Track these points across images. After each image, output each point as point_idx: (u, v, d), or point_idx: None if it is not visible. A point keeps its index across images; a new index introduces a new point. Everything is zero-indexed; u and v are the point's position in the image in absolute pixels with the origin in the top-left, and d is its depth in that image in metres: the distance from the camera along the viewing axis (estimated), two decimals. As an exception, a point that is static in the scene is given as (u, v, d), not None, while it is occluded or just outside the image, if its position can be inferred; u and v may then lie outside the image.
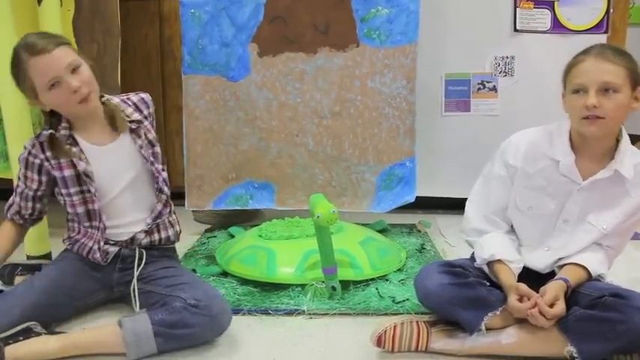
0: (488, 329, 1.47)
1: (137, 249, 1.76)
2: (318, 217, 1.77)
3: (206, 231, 2.72)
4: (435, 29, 2.66)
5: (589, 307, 1.40)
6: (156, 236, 1.81)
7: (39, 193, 1.75)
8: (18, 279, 1.88)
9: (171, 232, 1.85)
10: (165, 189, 1.80)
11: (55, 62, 1.57)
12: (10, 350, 1.43)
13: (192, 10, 2.47)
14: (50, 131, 1.68)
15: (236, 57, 2.50)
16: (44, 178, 1.72)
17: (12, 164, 2.12)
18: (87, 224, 1.75)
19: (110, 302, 1.82)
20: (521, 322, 1.47)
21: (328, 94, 2.52)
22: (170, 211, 1.85)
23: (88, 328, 1.60)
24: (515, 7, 2.65)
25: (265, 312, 1.79)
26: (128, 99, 1.79)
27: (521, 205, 1.59)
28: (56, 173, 1.69)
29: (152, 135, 1.80)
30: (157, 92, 3.05)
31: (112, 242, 1.75)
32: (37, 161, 1.70)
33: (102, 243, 1.73)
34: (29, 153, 1.70)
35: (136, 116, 1.76)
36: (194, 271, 2.13)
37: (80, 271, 1.73)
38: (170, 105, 3.08)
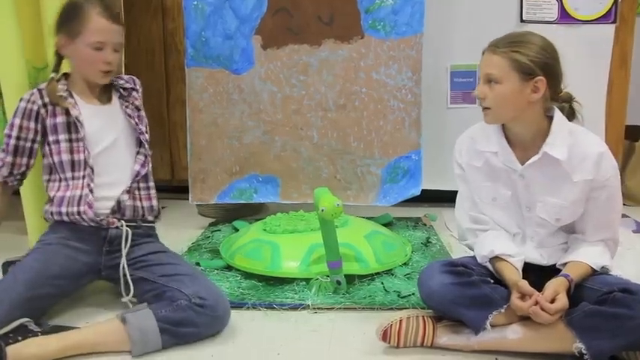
0: (493, 326, 1.46)
1: (124, 227, 1.75)
2: (322, 210, 1.75)
3: (210, 225, 2.72)
4: (441, 20, 2.63)
5: (598, 302, 1.39)
6: (139, 203, 1.82)
7: (35, 145, 1.77)
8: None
9: (154, 202, 1.87)
10: (146, 147, 1.84)
11: (113, 32, 1.72)
12: (10, 352, 1.40)
13: (195, 3, 2.46)
14: (52, 75, 1.78)
15: (239, 49, 2.49)
16: (39, 127, 1.75)
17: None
18: (69, 175, 1.75)
19: (97, 288, 1.82)
20: (527, 318, 1.45)
21: (333, 86, 2.50)
22: (148, 172, 1.85)
23: (88, 326, 1.57)
24: (522, -3, 2.63)
25: (270, 306, 1.78)
26: (121, 75, 1.92)
27: (485, 197, 1.61)
28: (49, 120, 1.74)
29: (139, 102, 1.89)
30: (160, 85, 3.05)
31: (99, 217, 1.73)
32: (35, 107, 1.74)
33: (92, 185, 1.73)
34: (28, 100, 1.75)
35: (128, 85, 1.88)
36: (197, 264, 2.12)
37: (67, 258, 1.70)
38: (173, 98, 3.07)
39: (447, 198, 2.85)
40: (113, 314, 1.58)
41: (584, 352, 1.36)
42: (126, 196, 1.78)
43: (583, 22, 2.62)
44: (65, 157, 1.74)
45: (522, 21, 2.63)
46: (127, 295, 1.67)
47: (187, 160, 2.62)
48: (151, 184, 1.86)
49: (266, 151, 2.57)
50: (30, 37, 2.22)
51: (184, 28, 2.50)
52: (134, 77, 1.93)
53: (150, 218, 1.86)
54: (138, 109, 1.87)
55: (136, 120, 1.84)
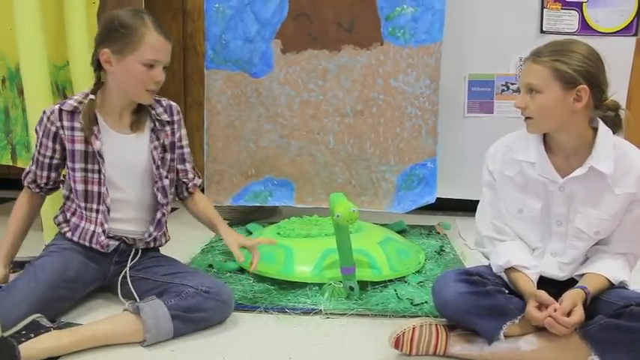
0: (507, 336, 1.45)
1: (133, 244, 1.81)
2: (338, 216, 1.75)
3: (224, 227, 2.71)
4: (460, 29, 2.63)
5: (614, 316, 1.38)
6: (151, 244, 1.84)
7: (54, 161, 1.73)
8: (11, 276, 1.83)
9: (167, 235, 1.90)
10: (160, 196, 1.78)
11: (167, 51, 1.66)
12: (23, 349, 1.40)
13: (217, 5, 2.47)
14: (92, 96, 1.68)
15: (259, 53, 2.50)
16: (58, 147, 1.70)
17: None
18: (83, 204, 1.73)
19: (96, 291, 1.83)
20: (541, 329, 1.44)
21: (351, 92, 2.50)
22: (166, 220, 1.86)
23: (101, 320, 1.58)
24: (543, 7, 2.62)
25: (282, 310, 1.78)
26: (161, 100, 1.80)
27: (511, 209, 1.58)
28: (68, 145, 1.69)
29: (170, 140, 1.80)
30: (178, 87, 3.07)
31: (110, 235, 1.75)
32: (53, 128, 1.68)
33: (106, 226, 1.72)
34: (47, 119, 1.68)
35: (165, 117, 1.79)
36: (210, 266, 2.13)
37: (81, 264, 1.71)
38: (191, 100, 3.09)
39: (461, 207, 2.86)
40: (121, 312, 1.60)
41: (600, 365, 1.36)
42: (142, 244, 1.81)
43: (603, 34, 2.61)
44: (80, 186, 1.70)
45: (542, 32, 2.63)
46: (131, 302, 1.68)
47: (203, 161, 2.63)
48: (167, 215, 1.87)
49: (282, 154, 2.58)
50: (51, 35, 2.25)
51: (205, 30, 2.52)
52: (173, 104, 1.83)
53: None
54: (165, 149, 1.79)
55: (159, 163, 1.76)
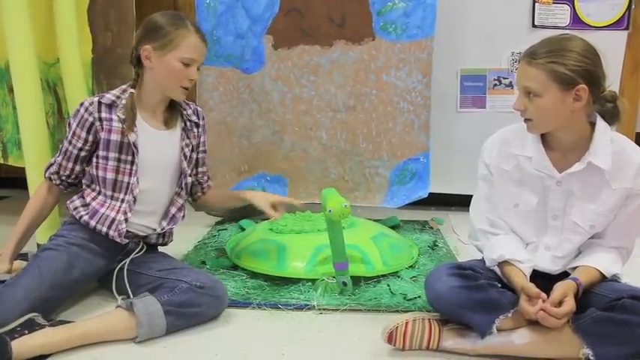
0: (500, 330, 1.45)
1: (141, 243, 1.82)
2: (330, 211, 1.75)
3: (217, 223, 2.72)
4: (452, 24, 2.63)
5: (606, 309, 1.38)
6: (161, 240, 1.89)
7: (82, 153, 1.75)
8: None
9: (171, 236, 1.95)
10: (183, 192, 1.86)
11: (203, 53, 1.76)
12: (16, 345, 1.40)
13: (208, 1, 2.47)
14: (132, 91, 1.74)
15: (251, 49, 2.49)
16: (90, 138, 1.73)
17: (25, 152, 2.12)
18: (109, 193, 1.74)
19: (91, 288, 1.83)
20: (534, 322, 1.44)
21: (343, 87, 2.50)
22: (182, 216, 1.90)
23: (93, 317, 1.58)
24: (535, 2, 2.62)
25: (275, 306, 1.78)
26: (189, 103, 1.90)
27: (507, 203, 1.58)
28: (103, 135, 1.71)
29: (196, 141, 1.90)
30: (170, 83, 3.05)
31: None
32: (90, 119, 1.71)
33: (129, 214, 1.73)
34: (85, 109, 1.72)
35: (194, 119, 1.88)
36: (203, 263, 2.13)
37: (87, 263, 1.71)
38: (183, 96, 3.07)
39: (454, 202, 2.86)
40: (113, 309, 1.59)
41: (592, 358, 1.36)
42: (154, 236, 1.84)
43: (595, 28, 2.61)
44: (110, 175, 1.73)
45: (534, 26, 2.63)
46: (123, 297, 1.67)
47: (196, 158, 2.63)
48: (184, 215, 1.90)
49: (275, 150, 2.58)
50: (41, 32, 2.23)
51: (196, 26, 2.50)
52: (199, 109, 1.93)
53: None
54: (193, 149, 1.87)
55: (186, 163, 1.84)
